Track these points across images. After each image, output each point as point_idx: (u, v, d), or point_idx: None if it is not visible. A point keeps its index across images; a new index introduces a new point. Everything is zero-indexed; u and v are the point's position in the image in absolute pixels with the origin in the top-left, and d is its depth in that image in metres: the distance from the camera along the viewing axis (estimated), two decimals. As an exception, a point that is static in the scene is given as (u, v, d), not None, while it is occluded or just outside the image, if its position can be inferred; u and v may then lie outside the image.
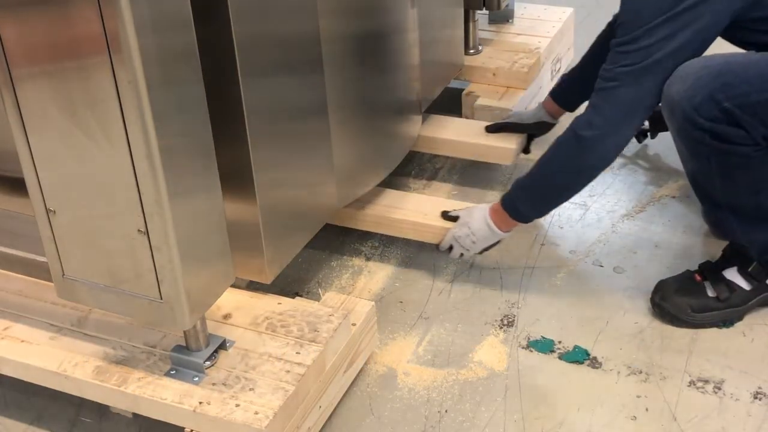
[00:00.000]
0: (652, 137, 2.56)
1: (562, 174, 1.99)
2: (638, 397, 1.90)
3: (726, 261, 2.06)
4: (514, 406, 1.90)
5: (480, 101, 2.71)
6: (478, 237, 2.11)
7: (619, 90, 1.87)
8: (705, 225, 2.34)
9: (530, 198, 2.04)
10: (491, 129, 2.48)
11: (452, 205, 2.32)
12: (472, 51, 2.84)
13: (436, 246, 2.22)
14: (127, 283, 1.59)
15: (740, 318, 2.05)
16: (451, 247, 2.17)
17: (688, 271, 2.09)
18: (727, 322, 2.04)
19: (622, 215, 2.43)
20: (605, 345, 2.04)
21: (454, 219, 2.18)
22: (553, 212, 2.46)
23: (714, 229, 2.30)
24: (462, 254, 2.16)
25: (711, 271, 2.06)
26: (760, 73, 1.82)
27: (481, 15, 2.88)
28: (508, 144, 2.47)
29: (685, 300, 2.04)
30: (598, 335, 2.06)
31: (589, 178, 2.00)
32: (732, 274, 2.03)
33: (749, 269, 2.02)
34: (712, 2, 1.80)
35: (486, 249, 2.15)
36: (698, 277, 2.06)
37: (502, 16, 3.02)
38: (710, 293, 2.03)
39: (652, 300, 2.08)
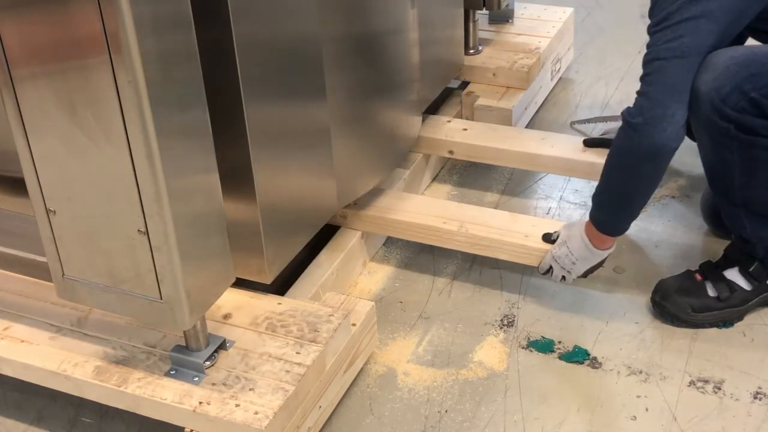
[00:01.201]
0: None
1: (625, 171, 1.92)
2: (638, 397, 1.90)
3: (727, 261, 2.05)
4: (514, 406, 1.91)
5: (480, 101, 2.71)
6: (578, 257, 2.02)
7: (663, 68, 1.82)
8: (705, 225, 2.34)
9: (606, 206, 1.97)
10: (588, 143, 2.40)
11: (452, 206, 2.32)
12: (472, 51, 2.85)
13: (537, 267, 2.13)
14: (127, 283, 1.59)
15: (740, 318, 2.04)
16: (551, 269, 2.09)
17: (688, 270, 2.09)
18: (727, 322, 2.04)
19: (622, 215, 2.43)
20: (605, 345, 2.04)
21: (554, 241, 2.09)
22: (552, 212, 2.46)
23: (714, 227, 2.30)
24: (564, 277, 2.07)
25: (712, 270, 2.06)
26: None
27: (481, 15, 2.89)
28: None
29: (686, 299, 2.03)
30: (598, 335, 2.06)
31: (655, 170, 1.91)
32: (733, 274, 2.03)
33: (750, 269, 2.01)
34: None
35: (590, 271, 2.06)
36: (699, 277, 2.05)
37: (502, 16, 3.03)
38: (711, 293, 2.03)
39: (653, 299, 2.08)
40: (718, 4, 1.79)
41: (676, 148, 1.85)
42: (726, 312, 2.03)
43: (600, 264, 2.05)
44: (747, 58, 1.83)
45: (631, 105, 1.86)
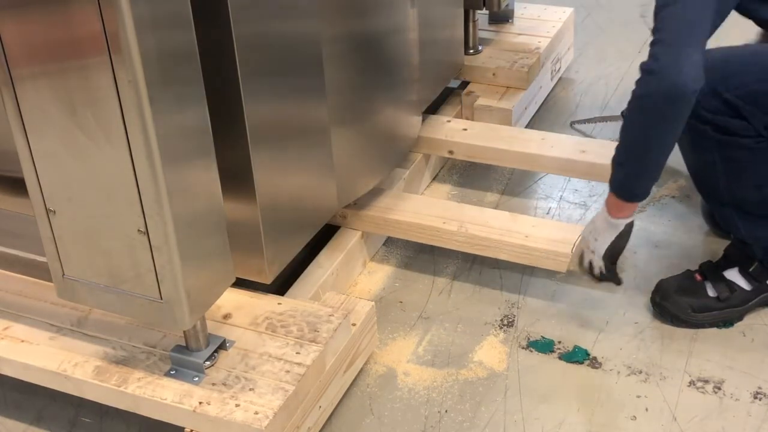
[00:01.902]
0: None
1: (644, 119, 1.82)
2: (638, 397, 1.90)
3: (727, 261, 2.06)
4: (514, 406, 1.91)
5: (480, 101, 2.71)
6: (599, 229, 1.99)
7: (670, 11, 1.76)
8: (705, 225, 2.34)
9: (624, 164, 1.89)
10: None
11: (452, 206, 2.32)
12: (472, 51, 2.85)
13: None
14: (127, 283, 1.59)
15: (740, 318, 2.05)
16: (582, 259, 2.06)
17: (688, 270, 2.09)
18: (727, 322, 2.04)
19: (622, 215, 2.43)
20: (605, 345, 2.04)
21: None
22: (552, 212, 2.46)
23: (714, 227, 2.30)
24: (591, 263, 2.03)
25: (712, 271, 2.06)
26: (759, 63, 1.85)
27: (481, 15, 2.89)
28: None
29: (686, 300, 2.04)
30: (598, 335, 2.06)
31: (675, 116, 1.79)
32: (733, 275, 2.03)
33: (750, 269, 2.02)
34: None
35: (614, 253, 2.01)
36: (699, 277, 2.06)
37: (502, 16, 3.03)
38: (711, 293, 2.03)
39: (653, 299, 2.08)
40: None
41: (696, 92, 1.75)
42: (726, 312, 2.03)
43: (622, 242, 1.98)
44: (721, 60, 1.85)
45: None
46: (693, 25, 1.78)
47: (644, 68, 1.79)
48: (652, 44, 1.79)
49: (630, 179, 1.90)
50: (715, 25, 1.83)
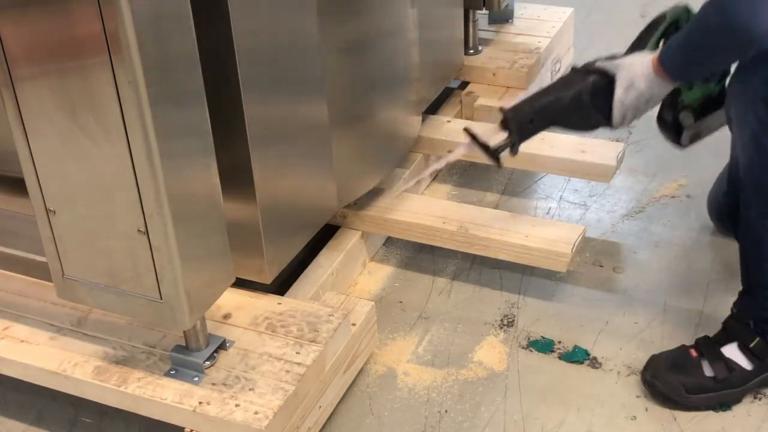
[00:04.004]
0: (513, 153, 1.94)
1: (714, 44, 1.66)
2: (638, 397, 1.90)
3: (726, 335, 1.86)
4: (514, 406, 1.91)
5: (480, 101, 2.71)
6: (653, 96, 1.78)
7: None
8: (705, 225, 2.34)
9: (686, 62, 1.73)
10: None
11: (452, 206, 2.32)
12: (472, 51, 2.85)
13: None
14: (127, 283, 1.59)
15: (738, 400, 1.85)
16: (624, 119, 1.83)
17: (683, 345, 1.91)
18: (724, 405, 1.85)
19: (622, 215, 2.43)
20: (605, 345, 2.04)
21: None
22: (552, 212, 2.46)
23: (720, 225, 2.20)
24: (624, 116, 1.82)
25: (708, 346, 1.87)
26: None
27: (481, 15, 2.88)
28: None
29: (679, 378, 1.84)
30: (598, 335, 2.06)
31: (736, 49, 1.66)
32: (732, 351, 1.84)
33: (751, 345, 1.82)
34: None
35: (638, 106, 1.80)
36: (694, 353, 1.86)
37: (502, 16, 3.02)
38: (707, 372, 1.83)
39: (643, 377, 1.90)
40: None
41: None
42: (723, 394, 1.84)
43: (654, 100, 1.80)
44: None
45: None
46: None
47: (706, 7, 1.61)
48: None
49: (685, 68, 1.75)
50: None
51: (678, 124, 1.89)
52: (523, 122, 1.84)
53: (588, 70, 1.84)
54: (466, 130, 1.92)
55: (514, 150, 1.89)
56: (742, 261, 1.85)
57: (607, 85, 1.81)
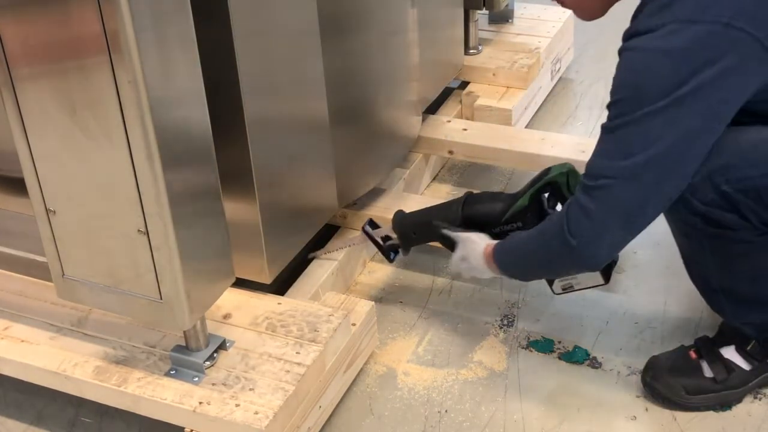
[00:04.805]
0: (405, 253, 2.05)
1: (547, 267, 1.76)
2: (638, 397, 1.90)
3: (723, 338, 1.86)
4: (514, 406, 1.91)
5: (480, 101, 2.71)
6: (485, 272, 1.86)
7: (615, 189, 1.53)
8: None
9: (516, 267, 1.81)
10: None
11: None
12: (472, 51, 2.85)
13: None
14: (127, 283, 1.59)
15: (739, 401, 1.85)
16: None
17: (682, 346, 1.91)
18: (725, 405, 1.85)
19: (622, 215, 2.43)
20: (605, 345, 2.04)
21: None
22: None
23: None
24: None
25: (707, 348, 1.86)
26: (766, 155, 1.56)
27: (481, 15, 2.89)
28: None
29: (679, 380, 1.84)
30: (598, 335, 2.06)
31: (574, 273, 1.79)
32: (730, 353, 1.83)
33: (747, 348, 1.82)
34: (733, 75, 1.46)
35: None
36: (693, 355, 1.86)
37: (502, 16, 3.03)
38: (706, 373, 1.83)
39: (643, 379, 1.89)
40: (689, 128, 1.49)
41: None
42: (723, 395, 1.83)
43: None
44: (724, 144, 1.54)
45: (570, 209, 1.60)
46: (635, 209, 1.55)
47: (565, 236, 1.59)
48: (580, 208, 1.57)
49: (514, 272, 1.83)
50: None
51: None
52: (406, 233, 2.00)
53: (457, 212, 1.94)
54: (363, 229, 2.08)
55: (404, 252, 2.04)
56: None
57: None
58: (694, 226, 1.65)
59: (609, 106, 1.55)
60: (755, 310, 1.75)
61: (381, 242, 2.06)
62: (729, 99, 1.50)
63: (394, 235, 2.03)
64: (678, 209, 1.64)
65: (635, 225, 1.59)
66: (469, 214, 1.92)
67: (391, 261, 2.08)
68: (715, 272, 1.73)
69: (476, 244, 1.85)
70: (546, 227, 1.70)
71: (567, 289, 1.89)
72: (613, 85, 1.54)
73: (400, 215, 2.02)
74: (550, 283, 1.90)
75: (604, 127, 1.56)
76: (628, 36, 1.56)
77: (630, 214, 1.57)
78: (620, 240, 1.61)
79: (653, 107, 1.47)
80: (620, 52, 1.55)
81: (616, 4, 1.71)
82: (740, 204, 1.58)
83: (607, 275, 1.83)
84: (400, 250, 2.04)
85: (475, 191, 2.00)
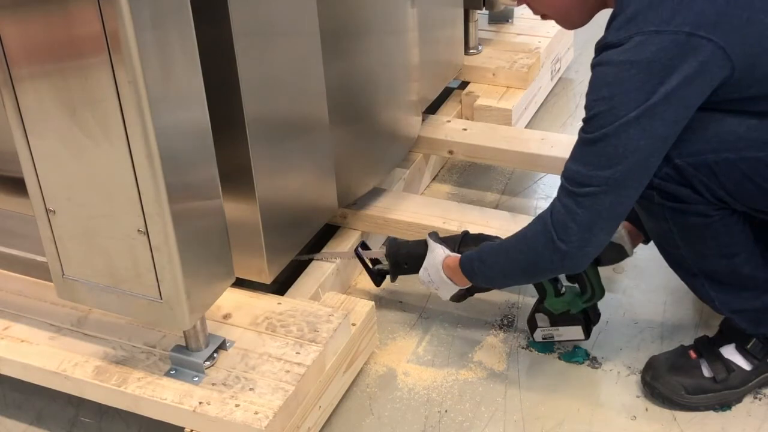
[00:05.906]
0: (392, 280, 2.09)
1: (530, 271, 1.78)
2: (638, 397, 1.90)
3: (723, 337, 1.86)
4: (514, 406, 1.90)
5: (480, 101, 2.71)
6: (440, 287, 1.93)
7: (601, 197, 1.60)
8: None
9: (492, 273, 1.84)
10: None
11: (452, 206, 2.32)
12: (472, 51, 2.85)
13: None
14: (127, 283, 1.59)
15: (739, 400, 1.85)
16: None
17: (682, 346, 1.91)
18: (724, 405, 1.85)
19: (622, 215, 2.43)
20: (605, 345, 2.04)
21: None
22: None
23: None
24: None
25: (707, 347, 1.86)
26: (718, 132, 1.62)
27: (481, 15, 2.89)
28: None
29: (679, 380, 1.84)
30: (598, 335, 2.06)
31: (553, 274, 1.83)
32: (730, 352, 1.84)
33: (748, 346, 1.82)
34: (697, 80, 1.53)
35: (458, 299, 1.96)
36: (693, 354, 1.86)
37: (502, 16, 3.03)
38: (706, 373, 1.84)
39: (643, 379, 1.90)
40: (661, 134, 1.57)
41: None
42: (723, 394, 1.83)
43: (466, 294, 1.94)
44: None
45: (555, 216, 1.65)
46: (616, 211, 1.63)
47: (554, 239, 1.64)
48: (567, 212, 1.62)
49: (484, 280, 1.86)
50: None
51: (534, 319, 1.98)
52: (399, 262, 2.03)
53: (454, 250, 1.96)
54: (356, 252, 2.11)
55: (392, 279, 2.08)
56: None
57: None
58: (651, 200, 1.69)
59: (586, 120, 1.61)
60: (741, 296, 1.77)
61: (371, 265, 2.10)
62: (694, 103, 1.58)
63: (384, 261, 2.06)
64: None
65: (616, 225, 1.67)
66: (466, 251, 1.93)
67: (377, 285, 2.12)
68: (687, 253, 1.76)
69: (436, 254, 1.92)
70: (528, 234, 1.74)
71: (547, 339, 1.99)
72: (588, 99, 1.60)
73: (394, 243, 2.05)
74: (532, 330, 1.98)
75: (583, 139, 1.62)
76: (599, 49, 1.63)
77: (614, 217, 1.65)
78: (604, 241, 1.68)
79: (627, 118, 1.54)
80: (593, 66, 1.62)
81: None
82: (692, 178, 1.63)
83: (587, 332, 1.95)
84: (388, 276, 2.08)
85: (471, 225, 2.05)
